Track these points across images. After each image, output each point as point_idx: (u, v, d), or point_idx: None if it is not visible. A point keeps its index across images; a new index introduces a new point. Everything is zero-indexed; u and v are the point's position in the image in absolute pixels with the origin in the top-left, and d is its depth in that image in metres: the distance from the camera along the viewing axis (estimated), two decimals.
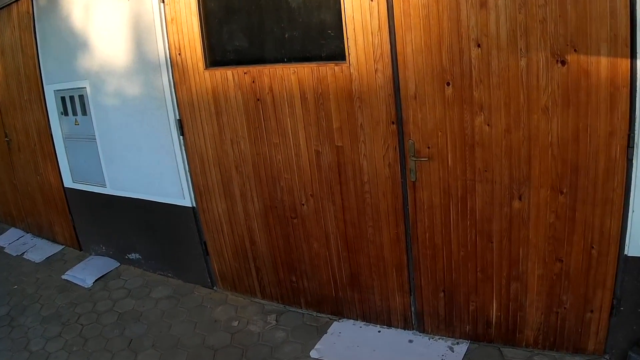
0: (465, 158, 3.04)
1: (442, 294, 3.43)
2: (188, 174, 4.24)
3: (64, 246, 5.95)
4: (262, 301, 4.28)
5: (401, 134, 3.17)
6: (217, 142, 3.95)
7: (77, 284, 5.05)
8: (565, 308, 3.08)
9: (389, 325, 3.72)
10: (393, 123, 3.17)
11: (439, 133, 3.06)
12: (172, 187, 4.38)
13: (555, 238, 2.96)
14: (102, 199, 5.08)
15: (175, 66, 3.98)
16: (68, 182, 5.44)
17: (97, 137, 4.86)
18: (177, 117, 4.12)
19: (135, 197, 4.74)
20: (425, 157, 3.14)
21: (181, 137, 4.16)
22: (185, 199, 4.34)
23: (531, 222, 2.99)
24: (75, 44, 4.64)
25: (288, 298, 4.12)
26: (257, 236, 4.05)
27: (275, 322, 4.01)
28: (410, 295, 3.55)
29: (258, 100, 3.63)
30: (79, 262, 5.47)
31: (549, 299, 3.11)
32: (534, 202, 2.95)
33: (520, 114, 2.81)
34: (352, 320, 3.86)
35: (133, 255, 5.12)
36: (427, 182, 3.19)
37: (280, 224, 3.88)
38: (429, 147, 3.12)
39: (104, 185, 5.01)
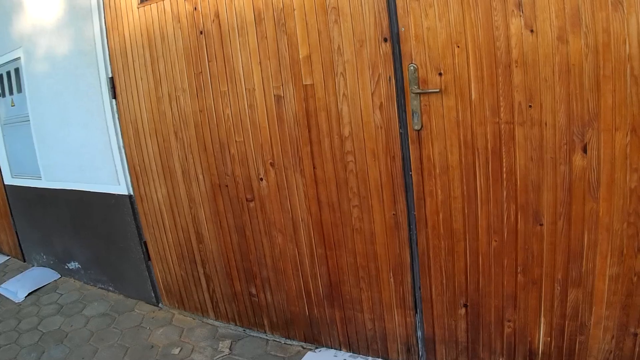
0: (497, 87, 1.83)
1: (462, 310, 2.15)
2: (122, 150, 3.06)
3: (9, 257, 4.83)
4: (216, 322, 3.02)
5: (398, 56, 1.98)
6: (152, 100, 2.79)
7: (9, 298, 3.94)
8: None
9: (385, 357, 2.43)
10: (386, 40, 1.97)
11: (456, 49, 1.86)
12: (106, 171, 3.20)
13: (638, 214, 1.73)
14: (37, 194, 3.92)
15: (108, 7, 2.88)
16: (8, 178, 4.31)
17: (30, 117, 3.73)
18: (109, 75, 2.97)
19: (68, 187, 3.57)
20: (435, 89, 1.92)
21: (113, 100, 3.00)
22: (121, 185, 3.15)
23: (602, 189, 1.76)
24: (11, 6, 3.58)
25: (247, 318, 2.85)
26: (204, 229, 2.82)
27: (228, 350, 2.74)
28: (416, 312, 2.28)
29: (201, 33, 2.47)
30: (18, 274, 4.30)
31: (624, 313, 1.85)
32: (606, 156, 1.72)
33: (579, 11, 1.64)
34: (332, 350, 2.57)
35: (72, 265, 3.91)
36: (438, 130, 1.97)
37: (233, 210, 2.65)
38: (440, 74, 1.90)
39: (39, 177, 3.86)
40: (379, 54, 1.99)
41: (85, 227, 3.59)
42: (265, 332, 2.80)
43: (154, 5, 2.64)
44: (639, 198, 1.71)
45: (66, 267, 3.98)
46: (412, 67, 1.93)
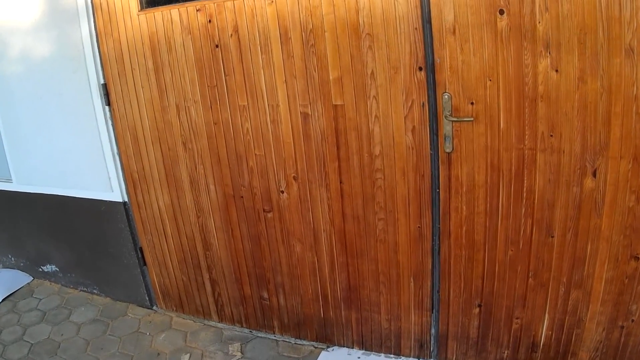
0: (523, 118, 1.95)
1: (477, 310, 2.31)
2: (117, 157, 2.92)
3: None
4: (219, 324, 3.00)
5: (432, 85, 2.04)
6: (156, 110, 2.68)
7: None
8: (633, 320, 2.07)
9: (398, 354, 2.56)
10: (421, 69, 2.03)
11: (488, 82, 1.95)
12: (96, 177, 3.04)
13: (633, 228, 1.94)
14: (7, 197, 3.64)
15: (99, 11, 2.70)
16: None
17: None
18: (102, 81, 2.81)
19: (47, 192, 3.35)
20: (467, 117, 2.02)
21: (107, 107, 2.84)
22: (114, 192, 3.01)
23: (606, 207, 1.96)
24: None
25: (255, 320, 2.87)
26: (213, 238, 2.78)
27: (240, 353, 2.75)
28: (432, 312, 2.41)
29: (217, 47, 2.40)
30: None
31: (615, 309, 2.09)
32: (611, 179, 1.91)
33: (598, 56, 1.78)
34: (345, 349, 2.66)
35: (48, 267, 3.69)
36: (468, 154, 2.07)
37: (248, 221, 2.64)
38: (472, 103, 2.00)
39: (9, 180, 3.58)
40: (414, 81, 2.05)
41: (67, 232, 3.39)
42: (274, 333, 2.83)
43: (158, 14, 2.52)
44: (635, 215, 1.92)
45: (40, 269, 3.75)
46: (446, 96, 2.01)
